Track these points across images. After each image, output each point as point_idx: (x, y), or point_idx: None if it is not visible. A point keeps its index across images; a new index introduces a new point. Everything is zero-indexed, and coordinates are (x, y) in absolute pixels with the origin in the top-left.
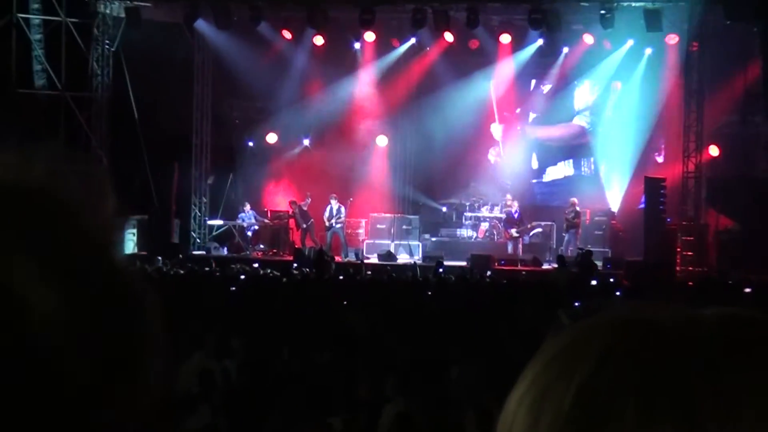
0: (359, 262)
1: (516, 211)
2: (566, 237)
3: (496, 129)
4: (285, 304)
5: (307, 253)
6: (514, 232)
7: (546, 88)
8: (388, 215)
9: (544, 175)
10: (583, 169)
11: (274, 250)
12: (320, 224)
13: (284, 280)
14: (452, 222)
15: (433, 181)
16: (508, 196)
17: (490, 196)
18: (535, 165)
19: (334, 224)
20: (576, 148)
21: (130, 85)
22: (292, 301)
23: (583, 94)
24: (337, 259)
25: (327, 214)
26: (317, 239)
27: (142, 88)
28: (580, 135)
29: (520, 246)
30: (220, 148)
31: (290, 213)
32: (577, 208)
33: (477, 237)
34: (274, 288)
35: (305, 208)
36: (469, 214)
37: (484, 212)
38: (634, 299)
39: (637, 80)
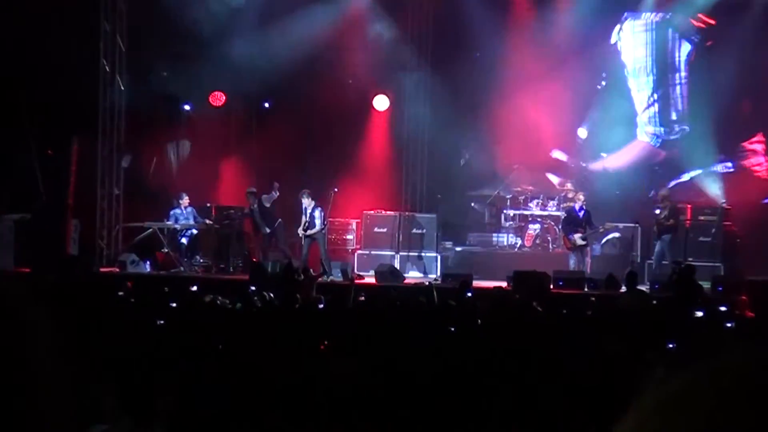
0: (347, 282)
1: (581, 208)
2: (656, 246)
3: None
4: (236, 347)
5: (270, 269)
6: (578, 238)
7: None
8: (390, 214)
9: (618, 152)
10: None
11: (222, 266)
12: (291, 228)
13: (236, 309)
14: (485, 224)
15: (458, 164)
16: (568, 185)
17: (542, 185)
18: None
19: (307, 233)
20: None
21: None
22: (246, 342)
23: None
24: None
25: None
26: (287, 248)
27: (21, 29)
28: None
29: (588, 259)
30: (141, 115)
31: (247, 210)
32: (673, 203)
33: (523, 246)
34: (220, 323)
35: (268, 204)
36: (510, 213)
37: (534, 209)
38: (762, 338)
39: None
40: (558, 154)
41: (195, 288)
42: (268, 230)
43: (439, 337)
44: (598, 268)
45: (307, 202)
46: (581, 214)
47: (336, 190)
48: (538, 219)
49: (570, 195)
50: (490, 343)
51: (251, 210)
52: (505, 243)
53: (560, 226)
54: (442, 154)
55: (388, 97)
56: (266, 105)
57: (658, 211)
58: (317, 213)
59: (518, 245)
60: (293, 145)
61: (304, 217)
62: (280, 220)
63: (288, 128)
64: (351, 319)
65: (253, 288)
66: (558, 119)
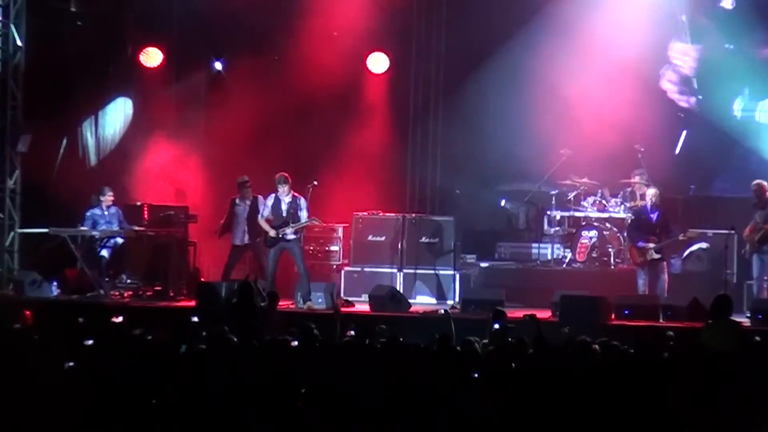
0: (332, 311)
1: (654, 209)
2: (755, 260)
3: None
4: (177, 401)
5: (224, 293)
6: (650, 249)
7: None
8: (390, 216)
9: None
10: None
11: (158, 288)
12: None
13: (178, 350)
14: (522, 230)
15: (483, 148)
16: (637, 178)
17: (600, 177)
18: None
19: (286, 233)
20: None
21: None
22: (191, 395)
23: None
24: (284, 304)
25: (265, 210)
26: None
27: None
28: None
29: (665, 277)
30: (45, 79)
31: (232, 208)
32: None
33: (573, 260)
34: (154, 368)
35: (245, 203)
36: (556, 215)
37: (589, 211)
38: None
39: None
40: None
41: (120, 319)
42: (248, 240)
43: (458, 387)
44: (678, 290)
45: (283, 192)
46: (654, 216)
47: (315, 183)
48: (595, 224)
49: (639, 190)
50: (524, 396)
51: (233, 210)
52: (549, 257)
53: (625, 234)
54: (461, 134)
55: (388, 56)
56: (218, 66)
57: (756, 214)
58: (302, 204)
59: (567, 259)
60: (256, 120)
61: (267, 210)
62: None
63: (249, 98)
64: (336, 362)
65: (194, 319)
66: (625, 86)
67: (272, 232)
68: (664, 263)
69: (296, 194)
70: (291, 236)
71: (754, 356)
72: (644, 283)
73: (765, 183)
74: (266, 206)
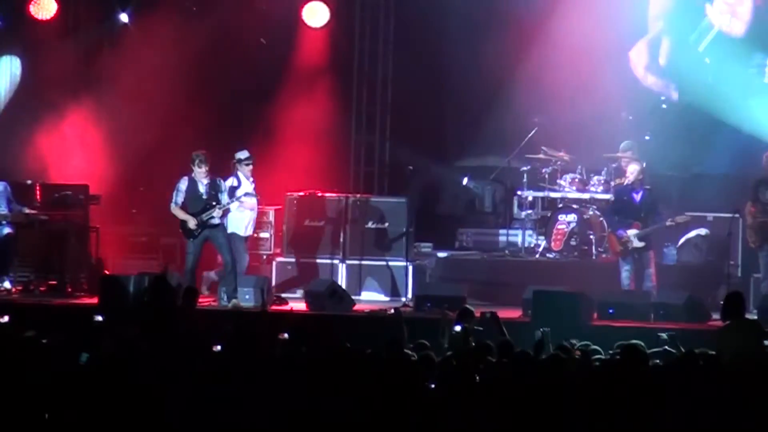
0: (260, 310)
1: (638, 188)
2: (764, 252)
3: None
4: (75, 418)
5: (133, 287)
6: (632, 236)
7: None
8: (330, 197)
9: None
10: None
11: (53, 282)
12: (157, 215)
13: (83, 358)
14: (487, 214)
15: (442, 115)
16: (626, 153)
17: (581, 151)
18: None
19: (212, 217)
20: None
21: None
22: (90, 411)
23: None
24: (206, 301)
25: (179, 196)
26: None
27: None
28: None
29: (652, 270)
30: None
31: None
32: None
33: (549, 249)
34: (48, 379)
35: (205, 184)
36: (528, 195)
37: (567, 190)
38: None
39: None
40: None
41: (5, 319)
42: (196, 230)
43: (411, 400)
44: (673, 285)
45: (201, 173)
46: (638, 197)
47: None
48: (574, 206)
49: (625, 164)
50: (491, 411)
51: (193, 187)
52: (520, 245)
53: (605, 217)
54: (416, 100)
55: (327, 5)
56: (124, 17)
57: (767, 194)
58: (222, 186)
59: (541, 248)
60: (170, 82)
61: (189, 196)
62: (220, 204)
63: (161, 56)
64: (268, 371)
65: (99, 318)
66: (608, 41)
67: (192, 222)
68: (651, 253)
69: (213, 174)
70: (216, 221)
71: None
72: (629, 276)
73: None
74: (179, 191)
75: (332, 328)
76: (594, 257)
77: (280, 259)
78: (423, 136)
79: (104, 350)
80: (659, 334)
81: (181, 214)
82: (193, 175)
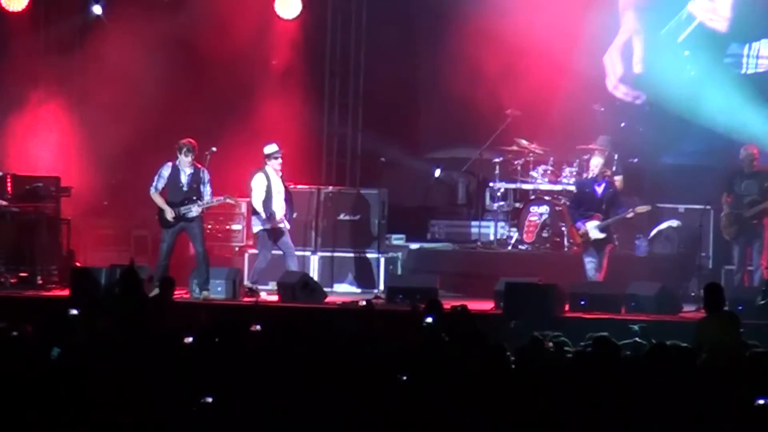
0: (250, 301)
1: (600, 181)
2: (735, 244)
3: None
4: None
5: (104, 279)
6: (591, 227)
7: None
8: (302, 189)
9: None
10: None
11: (23, 274)
12: (129, 207)
13: (54, 353)
14: (459, 206)
15: (414, 106)
16: (600, 143)
17: (553, 143)
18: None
19: (190, 212)
20: None
21: None
22: (64, 406)
23: None
24: (180, 293)
25: (159, 182)
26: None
27: None
28: None
29: (604, 264)
30: None
31: (166, 174)
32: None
33: (521, 241)
34: (18, 376)
35: (188, 174)
36: (500, 187)
37: (539, 182)
38: None
39: None
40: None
41: None
42: (180, 212)
43: (382, 393)
44: (645, 277)
45: (185, 162)
46: (600, 189)
47: (214, 149)
48: (546, 198)
49: (597, 154)
50: (463, 402)
51: (176, 175)
52: (492, 237)
53: (570, 209)
54: (388, 92)
55: None
56: (97, 9)
57: (742, 185)
58: (206, 177)
59: (513, 240)
60: (143, 75)
61: (170, 184)
62: (203, 202)
63: (134, 49)
64: (241, 364)
65: (73, 312)
66: (580, 32)
67: (169, 213)
68: (608, 247)
69: (198, 165)
70: (194, 214)
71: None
72: (594, 267)
73: (757, 148)
74: (161, 177)
75: (304, 320)
76: (566, 249)
77: (252, 251)
78: (395, 127)
79: (77, 344)
80: (631, 326)
81: (161, 202)
82: (177, 162)
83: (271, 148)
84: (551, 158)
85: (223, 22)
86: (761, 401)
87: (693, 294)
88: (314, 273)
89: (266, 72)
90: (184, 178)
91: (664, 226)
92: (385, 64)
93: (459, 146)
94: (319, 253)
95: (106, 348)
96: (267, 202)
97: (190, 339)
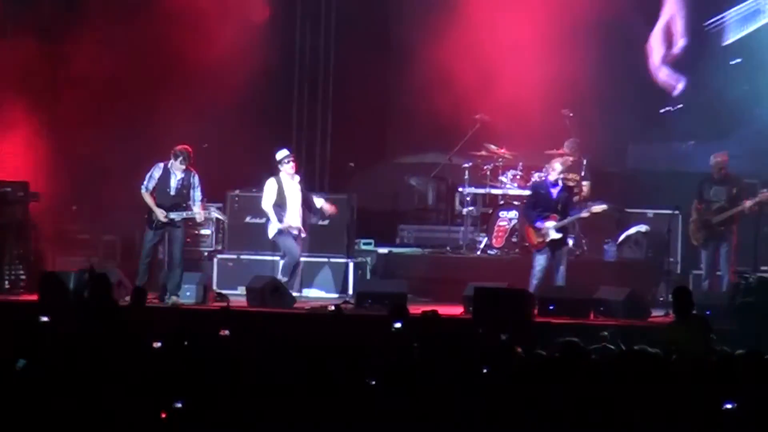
0: (220, 305)
1: (555, 183)
2: (707, 250)
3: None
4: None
5: (74, 284)
6: (549, 228)
7: None
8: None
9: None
10: None
11: None
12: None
13: (20, 364)
14: (429, 211)
15: (383, 111)
16: (566, 147)
17: (523, 148)
18: None
19: (180, 217)
20: None
21: None
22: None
23: None
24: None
25: (150, 182)
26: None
27: None
28: None
29: (565, 263)
30: None
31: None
32: (738, 178)
33: (489, 245)
34: None
35: (179, 178)
36: (469, 192)
37: (509, 187)
38: None
39: None
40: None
41: None
42: (169, 217)
43: (353, 397)
44: (613, 282)
45: (177, 166)
46: (555, 192)
47: (206, 146)
48: (515, 203)
49: (565, 154)
50: (433, 408)
51: (166, 178)
52: (461, 242)
53: (524, 211)
54: (358, 97)
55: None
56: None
57: (711, 192)
58: (195, 181)
59: (482, 245)
60: (108, 79)
61: (159, 186)
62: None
63: (101, 50)
64: (210, 369)
65: (45, 318)
66: (548, 36)
67: (161, 215)
68: (566, 247)
69: (190, 168)
70: (179, 219)
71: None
72: (542, 269)
73: (727, 156)
74: (152, 177)
75: (273, 325)
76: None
77: (221, 255)
78: (364, 133)
79: (44, 353)
80: (602, 333)
81: (152, 204)
82: (168, 164)
83: (281, 154)
84: (520, 163)
85: (194, 24)
86: (728, 405)
87: (662, 299)
88: (285, 277)
89: (235, 77)
90: (173, 182)
91: (632, 231)
92: (354, 69)
93: (428, 151)
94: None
95: (73, 354)
96: (279, 206)
97: (159, 344)
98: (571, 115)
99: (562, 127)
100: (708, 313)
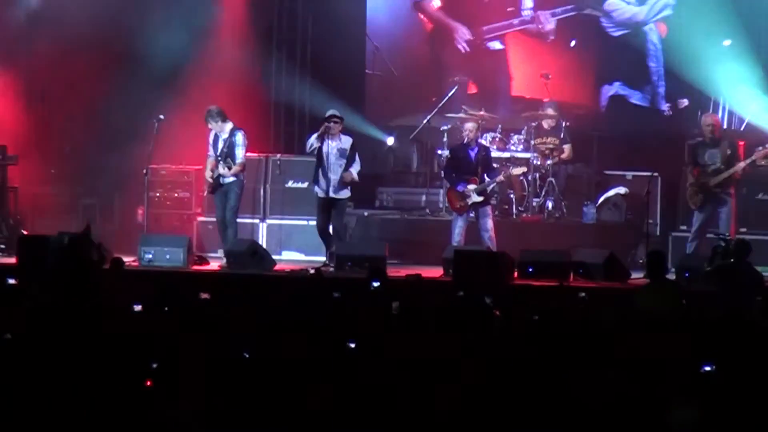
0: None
1: (473, 146)
2: (704, 213)
3: None
4: None
5: (52, 249)
6: (470, 190)
7: None
8: (250, 156)
9: None
10: None
11: None
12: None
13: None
14: (410, 174)
15: (362, 73)
16: (550, 110)
17: (502, 109)
18: None
19: (221, 176)
20: None
21: None
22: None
23: None
24: (128, 261)
25: (210, 147)
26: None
27: None
28: None
29: (491, 225)
30: None
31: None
32: (731, 136)
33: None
34: None
35: (224, 139)
36: (448, 155)
37: (492, 150)
38: None
39: None
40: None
41: None
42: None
43: (331, 361)
44: (592, 244)
45: (219, 127)
46: (473, 153)
47: (161, 117)
48: (494, 166)
49: (548, 126)
50: (410, 371)
51: (214, 140)
52: (441, 204)
53: (444, 175)
54: (337, 59)
55: None
56: None
57: (705, 155)
58: (238, 140)
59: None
60: (87, 42)
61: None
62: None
63: (79, 13)
64: (190, 332)
65: (12, 281)
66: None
67: (208, 174)
68: (489, 208)
69: (238, 127)
70: (227, 179)
71: (683, 321)
72: (460, 232)
73: (717, 117)
74: (208, 142)
75: (253, 288)
76: (514, 216)
77: (201, 218)
78: (343, 95)
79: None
80: (580, 294)
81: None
82: (215, 130)
83: (328, 113)
84: (499, 126)
85: None
86: (707, 368)
87: (641, 261)
88: (262, 240)
89: (213, 41)
90: (220, 143)
91: (611, 193)
92: (332, 31)
93: (407, 114)
94: (267, 221)
95: (51, 317)
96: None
97: (139, 307)
98: (550, 77)
99: (542, 89)
100: (686, 275)
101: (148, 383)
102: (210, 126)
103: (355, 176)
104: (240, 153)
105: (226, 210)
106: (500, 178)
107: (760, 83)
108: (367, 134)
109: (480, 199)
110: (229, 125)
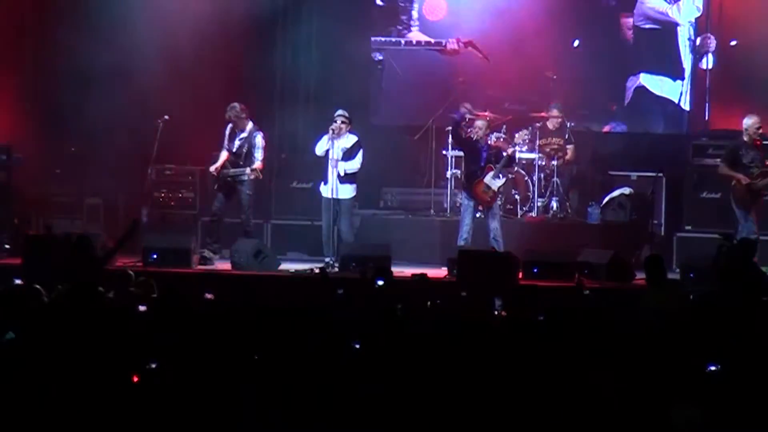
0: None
1: (484, 144)
2: (747, 212)
3: None
4: None
5: (57, 249)
6: (490, 179)
7: None
8: None
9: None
10: None
11: None
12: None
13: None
14: (417, 174)
15: (367, 75)
16: (555, 111)
17: (507, 109)
18: None
19: (238, 176)
20: None
21: None
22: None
23: None
24: (130, 262)
25: (225, 140)
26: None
27: None
28: None
29: (499, 215)
30: None
31: (227, 146)
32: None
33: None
34: None
35: (242, 137)
36: (454, 155)
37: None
38: None
39: None
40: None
41: None
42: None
43: (334, 359)
44: (597, 244)
45: (237, 123)
46: (483, 151)
47: (167, 117)
48: (508, 169)
49: (552, 126)
50: (415, 372)
51: (231, 135)
52: (446, 204)
53: (458, 172)
54: (343, 60)
55: None
56: None
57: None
58: (257, 141)
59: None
60: (90, 40)
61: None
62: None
63: (84, 9)
64: (194, 332)
65: (18, 281)
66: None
67: (212, 168)
68: (497, 208)
69: (258, 129)
70: (244, 178)
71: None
72: (468, 230)
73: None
74: (224, 135)
75: (257, 288)
76: (519, 216)
77: (206, 219)
78: (348, 95)
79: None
80: (585, 292)
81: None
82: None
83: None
84: (503, 125)
85: None
86: (712, 368)
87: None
88: (267, 240)
89: (215, 33)
90: (237, 141)
91: (616, 193)
92: (338, 32)
93: (412, 114)
94: (272, 221)
95: (57, 317)
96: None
97: (144, 308)
98: (554, 77)
99: (547, 89)
100: (691, 276)
101: (135, 379)
102: (232, 121)
103: (343, 171)
104: (259, 155)
105: (240, 212)
106: (505, 154)
107: None
108: (371, 133)
109: (502, 181)
110: (249, 125)
